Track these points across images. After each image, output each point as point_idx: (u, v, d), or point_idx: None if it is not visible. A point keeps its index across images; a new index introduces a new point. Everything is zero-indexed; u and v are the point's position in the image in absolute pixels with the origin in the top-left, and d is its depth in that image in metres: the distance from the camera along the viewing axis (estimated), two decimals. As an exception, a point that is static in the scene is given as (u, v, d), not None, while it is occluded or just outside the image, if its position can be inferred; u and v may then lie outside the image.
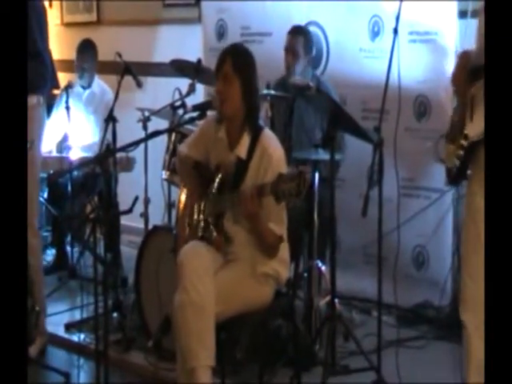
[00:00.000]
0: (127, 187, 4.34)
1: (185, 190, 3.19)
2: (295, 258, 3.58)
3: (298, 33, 4.00)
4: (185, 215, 3.12)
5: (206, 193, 2.99)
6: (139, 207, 4.27)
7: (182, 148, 3.18)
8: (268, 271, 2.91)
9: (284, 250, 2.95)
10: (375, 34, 4.12)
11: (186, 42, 5.03)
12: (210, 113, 3.15)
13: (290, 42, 3.96)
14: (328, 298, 3.32)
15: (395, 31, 3.01)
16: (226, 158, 2.96)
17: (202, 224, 3.00)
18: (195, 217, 3.04)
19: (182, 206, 3.19)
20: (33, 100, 3.59)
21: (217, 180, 2.94)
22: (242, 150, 2.91)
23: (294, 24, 4.12)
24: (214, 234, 2.94)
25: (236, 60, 2.89)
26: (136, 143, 3.23)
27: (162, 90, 4.67)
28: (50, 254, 4.70)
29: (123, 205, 4.31)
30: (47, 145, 4.31)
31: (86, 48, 4.87)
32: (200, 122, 3.19)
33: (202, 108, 3.28)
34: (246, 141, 2.91)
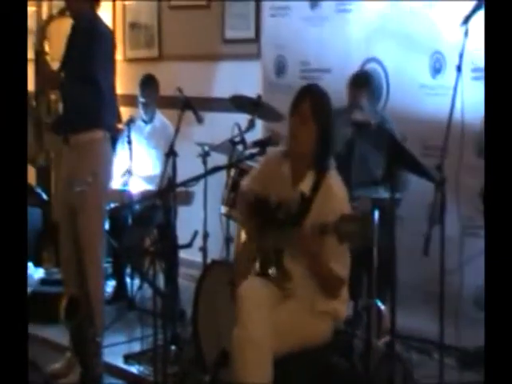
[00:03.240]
0: (186, 221, 4.39)
1: (244, 225, 3.20)
2: (354, 296, 3.55)
3: (361, 85, 3.96)
4: (244, 250, 3.13)
5: (267, 228, 3.00)
6: (198, 241, 4.31)
7: (244, 182, 3.20)
8: (327, 309, 2.89)
9: (343, 288, 2.94)
10: (436, 70, 4.10)
11: (245, 78, 5.09)
12: (270, 149, 3.19)
13: (353, 94, 3.92)
14: (387, 338, 3.27)
15: (458, 69, 3.00)
16: (288, 193, 2.95)
17: (261, 259, 3.01)
18: (254, 252, 3.05)
19: (241, 240, 3.20)
20: (98, 134, 3.69)
21: (278, 215, 2.95)
22: (306, 187, 2.91)
23: (357, 72, 4.09)
24: (273, 269, 2.94)
25: (314, 101, 2.89)
26: (197, 178, 3.28)
27: (221, 125, 4.72)
28: (110, 285, 4.76)
29: (182, 238, 4.36)
30: (111, 178, 4.40)
31: (148, 83, 4.97)
32: (260, 158, 3.22)
33: (262, 144, 3.32)
34: (310, 178, 2.91)
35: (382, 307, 3.54)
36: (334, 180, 2.93)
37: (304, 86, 3.01)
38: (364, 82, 3.98)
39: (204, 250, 4.16)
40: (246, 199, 3.13)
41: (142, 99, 4.91)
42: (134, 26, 6.05)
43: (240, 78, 5.13)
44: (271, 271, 2.94)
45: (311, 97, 2.91)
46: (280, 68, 4.87)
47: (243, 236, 3.17)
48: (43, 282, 4.65)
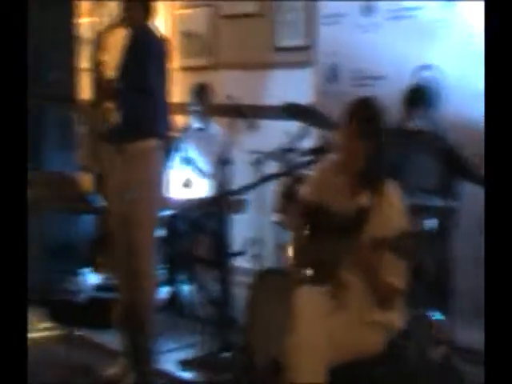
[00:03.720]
0: (239, 228, 4.41)
1: (299, 233, 3.19)
2: (408, 307, 3.50)
3: (416, 103, 3.88)
4: (298, 258, 3.12)
5: (322, 237, 2.99)
6: (251, 248, 4.34)
7: (301, 190, 3.19)
8: (381, 320, 2.87)
9: (398, 299, 2.90)
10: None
11: (297, 86, 5.09)
12: (323, 157, 3.18)
13: (407, 111, 3.86)
14: (442, 350, 3.23)
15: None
16: (345, 204, 2.93)
17: (315, 268, 3.00)
18: (310, 261, 3.04)
19: (295, 249, 3.19)
20: (152, 143, 3.73)
21: (334, 225, 2.93)
22: (364, 199, 2.89)
23: (411, 88, 4.03)
24: (329, 279, 2.93)
25: (366, 115, 2.87)
26: (251, 186, 3.30)
27: (273, 133, 4.73)
28: (164, 292, 4.80)
29: (235, 245, 4.39)
30: (165, 186, 4.45)
31: (201, 91, 5.02)
32: (315, 166, 3.20)
33: (315, 152, 3.33)
34: (368, 190, 2.89)
35: (438, 318, 3.48)
36: (393, 193, 2.90)
37: (356, 100, 2.97)
38: (419, 100, 3.92)
39: (257, 257, 4.17)
40: (303, 207, 3.10)
41: (195, 107, 4.96)
42: (187, 34, 6.12)
43: (292, 85, 5.14)
44: (327, 280, 2.93)
45: (363, 111, 2.88)
46: (332, 75, 4.84)
47: (298, 244, 3.16)
48: (99, 287, 4.71)
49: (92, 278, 4.86)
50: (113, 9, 6.35)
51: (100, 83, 3.82)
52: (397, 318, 2.92)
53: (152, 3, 3.80)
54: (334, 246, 2.91)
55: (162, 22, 6.05)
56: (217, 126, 5.02)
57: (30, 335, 4.21)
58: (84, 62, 5.97)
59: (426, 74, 4.23)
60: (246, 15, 5.59)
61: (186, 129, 4.84)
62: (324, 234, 2.97)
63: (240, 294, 4.45)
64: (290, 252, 3.26)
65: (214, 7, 5.84)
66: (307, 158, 3.42)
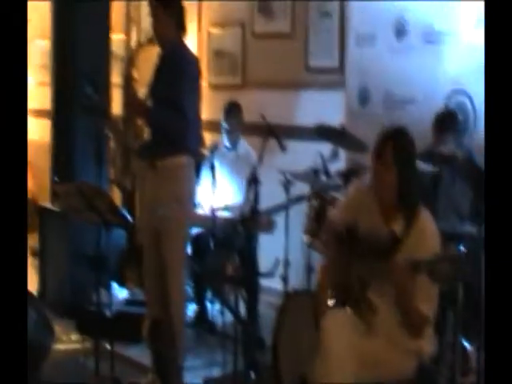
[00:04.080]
0: (267, 248, 4.42)
1: (330, 254, 3.20)
2: (439, 334, 3.49)
3: (447, 128, 3.90)
4: (328, 281, 3.13)
5: (353, 260, 2.99)
6: (279, 269, 4.34)
7: (333, 211, 3.21)
8: (410, 347, 2.87)
9: (428, 326, 2.90)
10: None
11: (328, 107, 5.10)
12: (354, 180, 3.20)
13: (437, 136, 3.88)
14: (471, 377, 3.21)
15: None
16: (377, 228, 2.95)
17: (345, 291, 3.00)
18: (339, 283, 3.04)
19: (325, 270, 3.20)
20: (183, 160, 3.77)
21: (366, 248, 2.93)
22: (397, 225, 2.90)
23: (442, 112, 4.05)
24: (358, 302, 2.93)
25: (397, 146, 2.89)
26: (281, 208, 3.32)
27: (303, 154, 4.75)
28: (192, 309, 4.83)
29: (263, 265, 4.40)
30: (194, 203, 4.49)
31: (232, 109, 5.02)
32: (347, 189, 3.22)
33: (346, 175, 3.35)
34: (400, 215, 2.91)
35: (468, 345, 3.46)
36: (426, 219, 2.91)
37: (387, 130, 2.98)
38: (450, 125, 3.93)
39: (285, 278, 4.17)
40: (335, 229, 3.10)
41: (225, 125, 4.98)
42: (218, 53, 6.17)
43: (323, 106, 5.15)
44: (356, 304, 2.93)
45: (394, 142, 2.90)
46: (364, 98, 4.86)
47: (328, 266, 3.17)
48: (127, 302, 4.74)
49: (121, 292, 4.89)
50: (145, 26, 6.45)
51: (132, 100, 3.88)
52: (427, 344, 2.91)
53: (184, 21, 3.85)
54: (364, 269, 2.92)
55: (194, 40, 6.12)
56: (247, 145, 5.04)
57: (58, 346, 4.27)
58: (117, 78, 6.06)
59: (458, 98, 4.23)
60: (278, 35, 5.62)
61: (215, 146, 4.86)
62: (355, 257, 2.98)
63: (267, 313, 4.47)
64: (320, 274, 3.27)
65: (245, 26, 5.89)
66: (337, 181, 3.43)
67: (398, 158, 2.87)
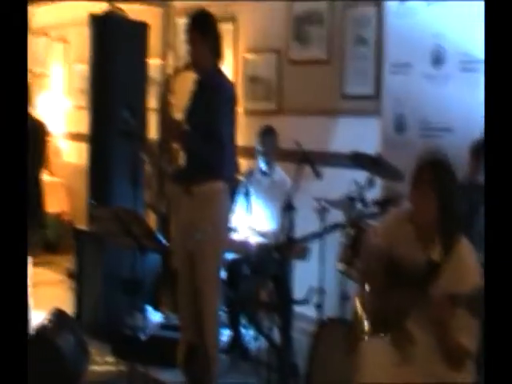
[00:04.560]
0: (301, 275, 4.41)
1: (367, 282, 3.17)
2: (478, 367, 3.44)
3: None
4: (365, 309, 3.11)
5: (391, 288, 2.96)
6: (314, 297, 4.32)
7: (369, 241, 3.20)
8: (448, 378, 2.82)
9: (469, 361, 2.86)
10: None
11: (364, 134, 5.10)
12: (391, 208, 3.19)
13: (475, 164, 3.84)
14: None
15: None
16: (415, 256, 2.92)
17: (382, 319, 2.98)
18: (376, 312, 3.02)
19: (361, 299, 3.18)
20: (218, 185, 3.80)
21: (404, 276, 2.91)
22: (435, 253, 2.88)
23: (479, 140, 4.01)
24: (396, 331, 2.91)
25: (436, 175, 2.88)
26: (316, 236, 3.32)
27: (338, 181, 4.74)
28: (225, 335, 4.84)
29: (296, 292, 4.39)
30: (229, 228, 4.50)
31: (267, 133, 5.04)
32: (384, 217, 3.20)
33: (382, 203, 3.34)
34: (439, 244, 2.89)
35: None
36: (465, 249, 2.89)
37: (426, 157, 2.97)
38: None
39: (319, 306, 4.16)
40: (372, 256, 3.08)
41: (260, 148, 4.99)
42: (253, 79, 6.21)
43: (358, 134, 5.15)
44: (393, 333, 2.91)
45: (433, 168, 2.89)
46: (400, 125, 4.84)
47: (364, 294, 3.15)
48: (162, 326, 4.75)
49: (155, 316, 4.91)
50: (182, 52, 6.54)
51: (169, 124, 3.92)
52: (467, 378, 2.87)
53: (220, 48, 3.89)
54: (401, 298, 2.89)
55: (230, 65, 6.17)
56: (281, 171, 5.05)
57: (93, 368, 4.30)
58: (153, 102, 6.13)
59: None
60: (314, 61, 5.65)
61: (250, 172, 4.88)
62: (392, 285, 2.95)
63: (301, 340, 4.46)
64: (356, 302, 3.25)
65: (281, 52, 5.93)
66: (373, 209, 3.43)
67: (438, 185, 2.86)
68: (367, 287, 3.13)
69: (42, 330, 3.90)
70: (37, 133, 4.62)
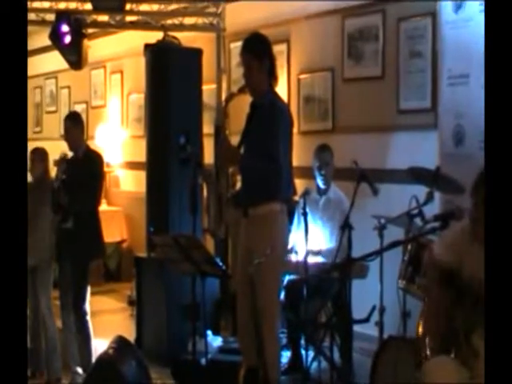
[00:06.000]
0: (361, 294, 4.33)
1: (432, 297, 3.08)
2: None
3: None
4: (431, 325, 3.01)
5: (458, 304, 2.88)
6: (373, 315, 4.23)
7: (436, 254, 3.10)
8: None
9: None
10: None
11: (421, 148, 5.02)
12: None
13: None
14: None
15: None
16: (481, 270, 2.78)
17: (449, 336, 2.88)
18: (443, 328, 2.92)
19: (427, 315, 3.09)
20: (276, 207, 3.78)
21: (471, 291, 2.83)
22: None
23: None
24: (462, 348, 2.82)
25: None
26: (376, 253, 3.25)
27: (396, 197, 4.66)
28: (285, 356, 4.78)
29: (356, 311, 4.31)
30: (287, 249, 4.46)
31: (323, 152, 5.00)
32: (448, 233, 3.11)
33: (443, 218, 3.23)
34: None
35: None
36: None
37: (479, 176, 2.87)
38: None
39: (380, 324, 4.07)
40: (438, 270, 3.00)
41: (317, 165, 4.94)
42: (308, 99, 6.20)
43: (416, 148, 5.07)
44: (460, 349, 2.81)
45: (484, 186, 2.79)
46: (458, 138, 4.73)
47: (430, 310, 3.05)
48: (222, 350, 4.74)
49: (215, 340, 4.90)
50: (236, 76, 6.58)
51: (224, 149, 3.92)
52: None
53: (275, 70, 3.90)
54: (468, 313, 2.82)
55: (284, 86, 6.17)
56: (338, 190, 5.00)
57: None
58: (208, 127, 6.18)
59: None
60: (368, 78, 5.59)
61: (307, 192, 4.84)
62: (457, 300, 2.88)
63: (362, 360, 4.37)
64: (422, 318, 3.16)
65: (335, 71, 5.90)
66: (433, 224, 3.33)
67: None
68: (433, 303, 3.04)
69: (105, 357, 3.94)
70: (96, 164, 4.71)
